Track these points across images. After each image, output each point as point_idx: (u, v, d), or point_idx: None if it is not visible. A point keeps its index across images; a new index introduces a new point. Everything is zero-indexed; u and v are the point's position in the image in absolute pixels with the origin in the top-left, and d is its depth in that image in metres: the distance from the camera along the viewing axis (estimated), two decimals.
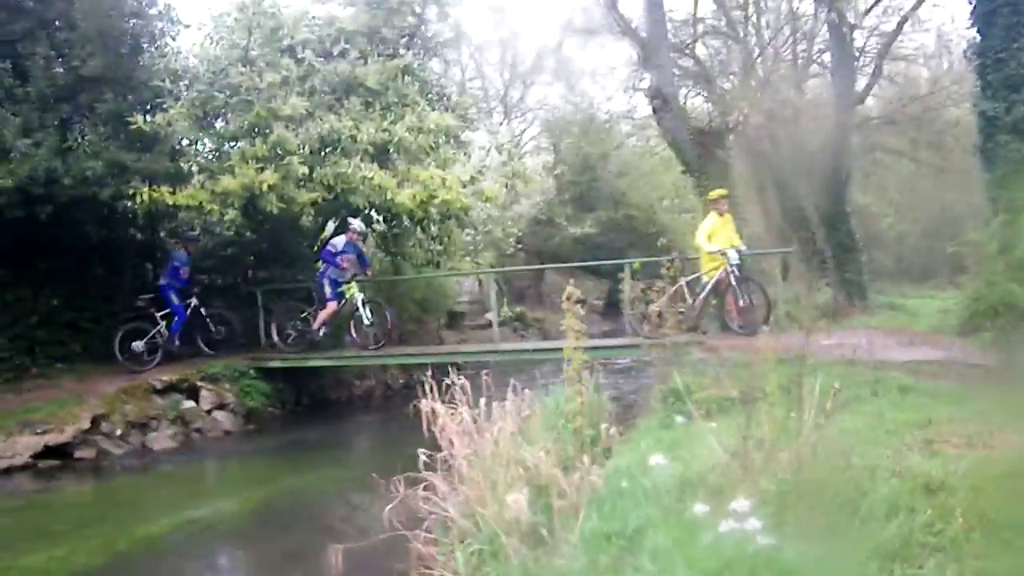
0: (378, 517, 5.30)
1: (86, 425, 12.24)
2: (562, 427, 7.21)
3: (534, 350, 14.48)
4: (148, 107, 13.73)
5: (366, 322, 14.38)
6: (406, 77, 15.86)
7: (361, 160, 14.58)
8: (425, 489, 5.40)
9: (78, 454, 12.02)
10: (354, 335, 14.97)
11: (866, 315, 13.97)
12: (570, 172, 33.31)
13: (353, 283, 14.40)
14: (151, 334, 14.70)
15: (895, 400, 7.11)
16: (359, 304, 14.40)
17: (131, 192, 13.42)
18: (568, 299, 8.84)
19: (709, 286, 12.17)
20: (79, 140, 13.38)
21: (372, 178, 14.29)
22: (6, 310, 14.23)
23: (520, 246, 28.98)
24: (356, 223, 14.53)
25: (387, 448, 7.80)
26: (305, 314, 15.06)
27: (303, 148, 14.33)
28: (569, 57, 43.85)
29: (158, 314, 14.83)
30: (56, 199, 13.16)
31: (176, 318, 14.96)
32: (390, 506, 5.20)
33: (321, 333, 14.78)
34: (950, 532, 3.69)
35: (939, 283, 23.48)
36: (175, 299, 14.87)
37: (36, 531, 8.82)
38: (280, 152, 13.92)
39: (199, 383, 14.14)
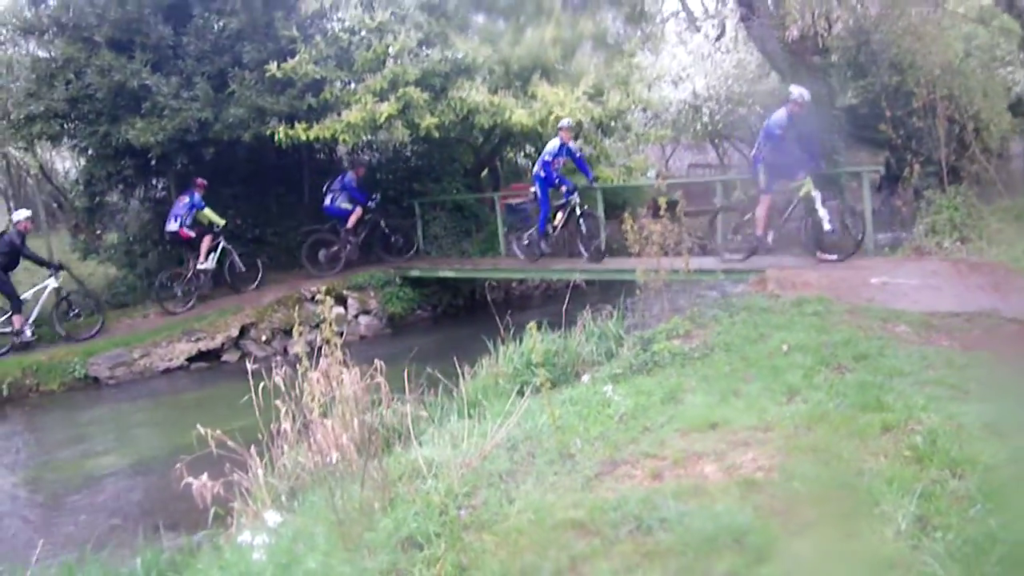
0: None
1: (235, 332, 14.53)
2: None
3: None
4: (283, 55, 15.25)
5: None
6: None
7: (484, 81, 15.62)
8: None
9: (225, 357, 14.37)
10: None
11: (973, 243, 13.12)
12: None
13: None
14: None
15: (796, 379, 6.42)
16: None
17: (268, 132, 15.11)
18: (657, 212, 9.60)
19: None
20: (230, 90, 15.23)
21: (492, 99, 15.24)
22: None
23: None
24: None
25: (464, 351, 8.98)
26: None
27: (425, 75, 15.35)
28: None
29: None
30: (213, 142, 15.50)
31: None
32: None
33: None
34: None
35: None
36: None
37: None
38: (398, 83, 15.00)
39: (345, 292, 15.97)
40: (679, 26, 32.64)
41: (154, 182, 17.73)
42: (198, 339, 14.27)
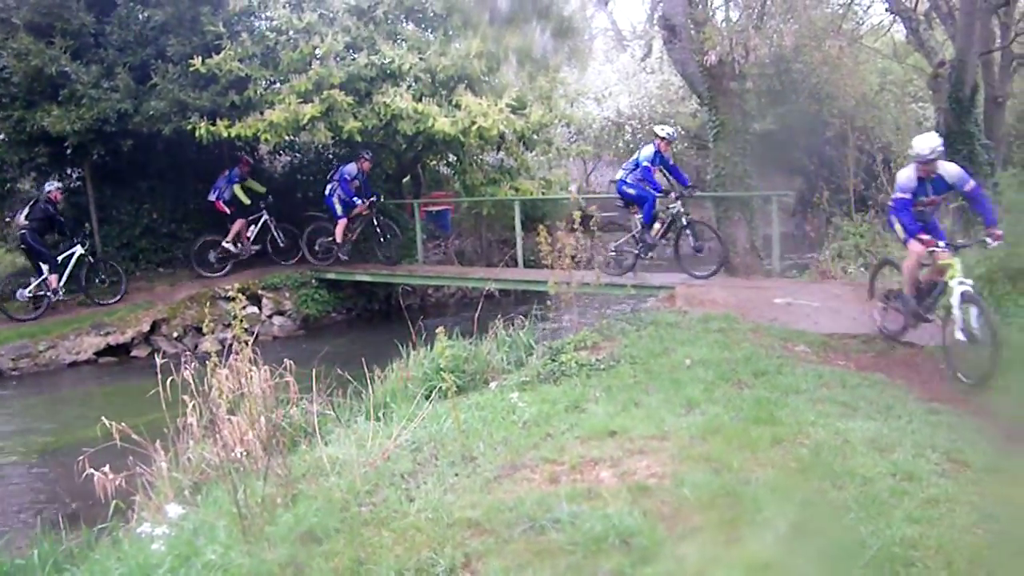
0: None
1: (146, 328, 14.37)
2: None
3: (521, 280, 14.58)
4: (209, 50, 15.13)
5: None
6: None
7: (409, 88, 15.71)
8: None
9: (135, 353, 14.20)
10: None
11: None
12: None
13: None
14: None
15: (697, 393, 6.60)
16: None
17: (189, 127, 15.00)
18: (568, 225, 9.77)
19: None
20: (152, 82, 15.06)
21: (416, 107, 15.33)
22: (112, 224, 16.44)
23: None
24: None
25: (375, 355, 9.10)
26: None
27: (350, 79, 15.37)
28: None
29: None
30: (132, 135, 15.33)
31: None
32: None
33: None
34: None
35: None
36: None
37: None
38: (323, 85, 15.02)
39: (260, 291, 15.89)
40: (607, 44, 33.16)
41: (69, 171, 17.33)
42: (107, 333, 14.10)
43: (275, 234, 17.23)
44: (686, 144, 28.09)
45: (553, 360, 7.94)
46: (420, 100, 15.58)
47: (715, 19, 13.40)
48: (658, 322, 9.40)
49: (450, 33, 16.76)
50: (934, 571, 3.63)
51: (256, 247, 17.13)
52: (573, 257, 9.39)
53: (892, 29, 29.67)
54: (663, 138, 12.52)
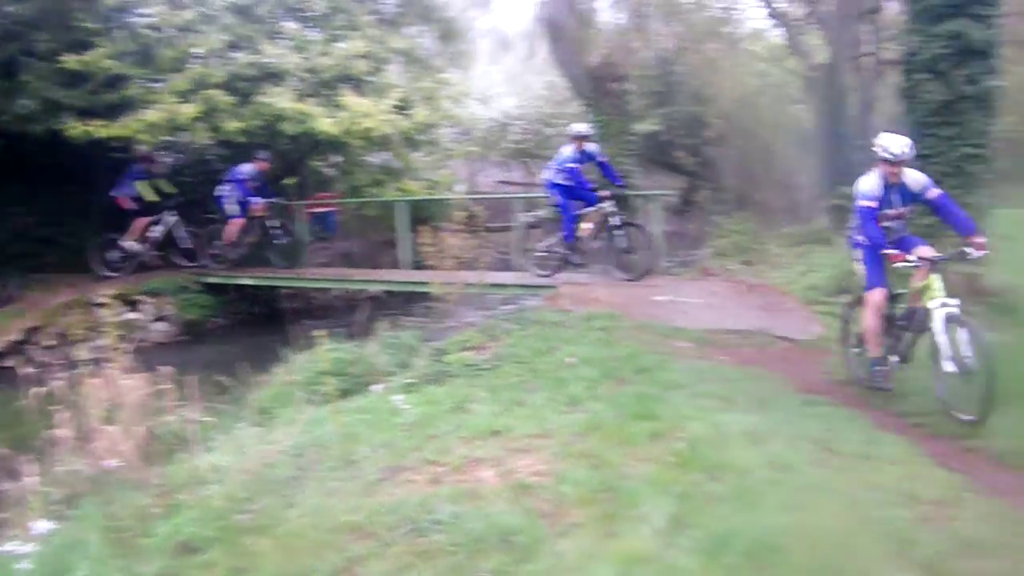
0: None
1: (17, 337, 13.76)
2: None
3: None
4: (81, 47, 14.57)
5: None
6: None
7: (291, 89, 15.48)
8: None
9: (6, 363, 13.58)
10: None
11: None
12: None
13: None
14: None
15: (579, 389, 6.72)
16: None
17: (62, 127, 14.44)
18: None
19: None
20: (21, 79, 14.46)
21: (298, 107, 15.13)
22: None
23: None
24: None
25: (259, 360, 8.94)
26: None
27: (231, 79, 15.08)
28: None
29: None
30: (1, 134, 14.66)
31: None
32: None
33: None
34: None
35: None
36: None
37: None
38: (203, 85, 14.68)
39: (139, 297, 15.41)
40: (492, 45, 33.27)
41: None
42: None
43: (181, 236, 16.63)
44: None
45: (438, 361, 7.96)
46: (303, 100, 15.39)
47: (599, 21, 13.54)
48: (542, 321, 9.49)
49: (333, 32, 16.58)
50: (803, 557, 3.75)
51: (156, 252, 16.59)
52: (458, 257, 9.41)
53: (770, 33, 30.62)
54: (579, 135, 12.38)
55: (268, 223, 16.11)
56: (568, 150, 12.27)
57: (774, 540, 3.84)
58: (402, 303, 13.88)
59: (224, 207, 15.81)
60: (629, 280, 12.07)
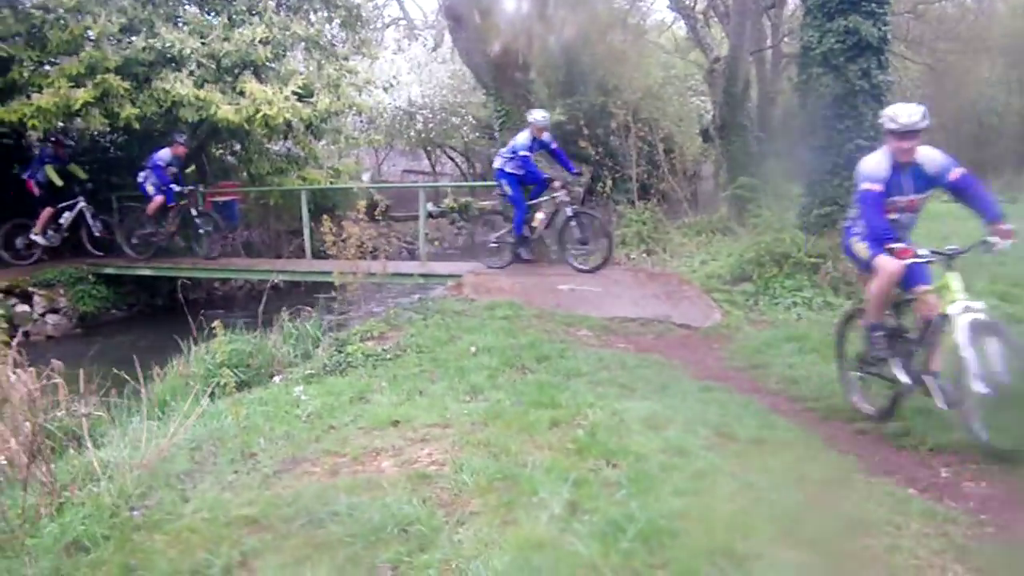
0: None
1: None
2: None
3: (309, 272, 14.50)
4: None
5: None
6: None
7: (191, 74, 15.12)
8: None
9: None
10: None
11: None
12: None
13: None
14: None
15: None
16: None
17: None
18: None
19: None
20: None
21: (198, 93, 14.79)
22: None
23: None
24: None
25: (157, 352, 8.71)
26: None
27: (127, 63, 14.66)
28: None
29: None
30: None
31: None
32: None
33: None
34: None
35: None
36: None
37: None
38: (97, 69, 14.24)
39: (31, 288, 14.92)
40: (398, 33, 33.10)
41: None
42: None
43: (91, 224, 16.20)
44: (478, 134, 28.46)
45: (339, 351, 7.88)
46: (202, 86, 15.06)
47: (502, 9, 13.53)
48: (445, 310, 9.49)
49: (234, 17, 16.24)
50: (696, 540, 3.82)
51: (64, 235, 16.16)
52: (360, 247, 9.33)
53: (674, 25, 31.15)
54: (536, 123, 12.22)
55: (191, 210, 15.84)
56: (523, 137, 12.16)
57: (669, 524, 3.90)
58: (305, 293, 13.70)
59: (146, 192, 15.47)
60: (586, 272, 11.97)
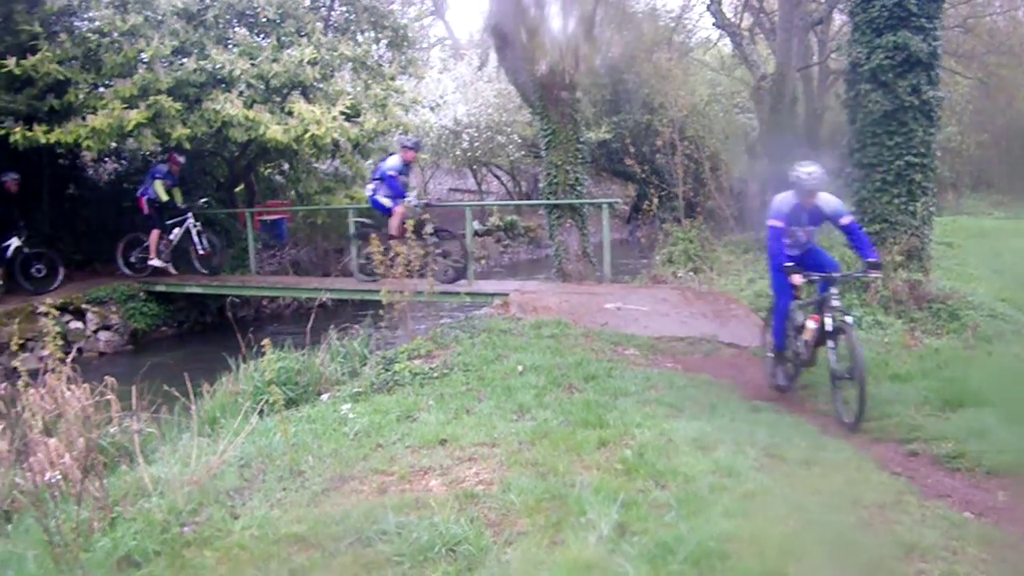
0: None
1: None
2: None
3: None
4: (24, 51, 14.34)
5: None
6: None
7: (240, 95, 15.35)
8: None
9: None
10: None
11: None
12: None
13: None
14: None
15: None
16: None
17: (3, 133, 14.20)
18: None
19: None
20: None
21: (247, 114, 15.00)
22: None
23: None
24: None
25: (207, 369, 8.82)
26: None
27: (178, 84, 14.91)
28: None
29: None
30: None
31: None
32: None
33: None
34: None
35: None
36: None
37: None
38: (150, 90, 14.49)
39: (84, 305, 15.18)
40: (444, 53, 33.36)
41: None
42: None
43: (196, 242, 16.49)
44: (523, 152, 28.52)
45: (386, 370, 7.91)
46: (251, 107, 15.28)
47: (548, 28, 13.60)
48: (491, 329, 9.49)
49: (283, 39, 16.48)
50: (747, 562, 3.77)
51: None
52: (407, 265, 9.36)
53: (720, 43, 31.03)
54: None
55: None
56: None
57: (719, 547, 3.86)
58: (352, 311, 13.80)
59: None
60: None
